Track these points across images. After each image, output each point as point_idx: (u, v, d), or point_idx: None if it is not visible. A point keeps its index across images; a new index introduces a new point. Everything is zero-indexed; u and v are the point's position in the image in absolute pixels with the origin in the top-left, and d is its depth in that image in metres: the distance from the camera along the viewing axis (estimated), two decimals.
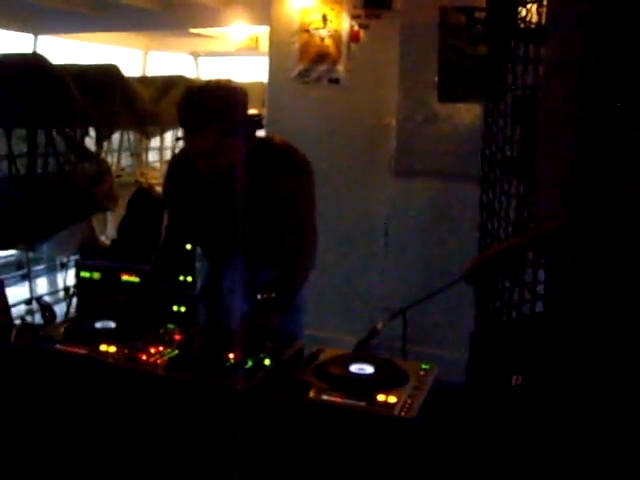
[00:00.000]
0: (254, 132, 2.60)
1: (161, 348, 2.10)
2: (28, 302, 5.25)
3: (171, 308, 4.33)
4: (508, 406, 1.63)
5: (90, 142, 5.64)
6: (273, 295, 2.35)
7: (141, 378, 1.98)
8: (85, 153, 5.35)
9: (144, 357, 2.04)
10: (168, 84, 6.48)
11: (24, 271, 5.80)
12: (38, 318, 4.99)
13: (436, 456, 1.93)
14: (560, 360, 1.52)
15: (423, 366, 2.05)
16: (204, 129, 2.40)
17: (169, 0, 7.02)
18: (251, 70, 9.07)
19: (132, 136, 7.44)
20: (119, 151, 7.45)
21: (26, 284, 5.61)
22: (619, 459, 1.47)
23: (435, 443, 1.94)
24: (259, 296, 2.35)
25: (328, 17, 4.32)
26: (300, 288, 2.64)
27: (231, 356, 2.04)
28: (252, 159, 2.61)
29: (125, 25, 7.90)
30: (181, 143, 2.67)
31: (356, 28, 4.30)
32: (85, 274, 4.76)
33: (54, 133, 5.13)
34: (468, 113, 4.05)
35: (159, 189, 5.36)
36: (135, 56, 10.22)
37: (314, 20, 4.36)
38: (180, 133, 2.65)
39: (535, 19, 1.60)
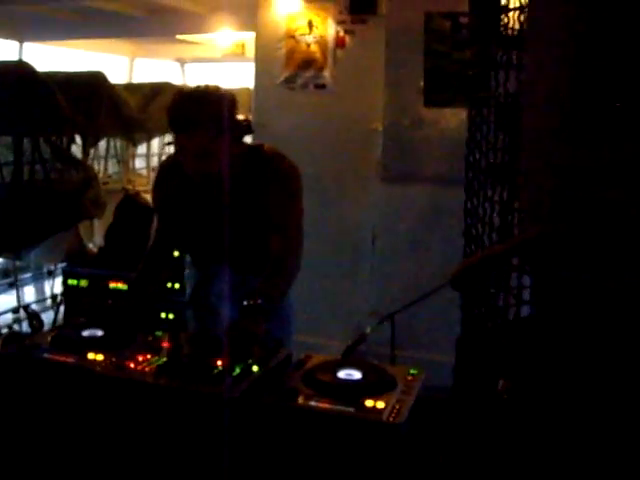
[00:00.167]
0: (243, 137, 2.62)
1: (149, 356, 2.09)
2: (15, 310, 5.23)
3: (159, 315, 4.32)
4: (494, 411, 1.64)
5: (76, 149, 5.64)
6: (259, 301, 2.35)
7: (129, 386, 1.97)
8: (72, 160, 5.34)
9: (132, 365, 2.03)
10: (154, 91, 6.47)
11: (11, 279, 5.77)
12: (25, 326, 4.97)
13: (424, 461, 1.93)
14: (545, 364, 1.53)
15: (411, 371, 2.05)
16: (195, 130, 2.42)
17: (155, 7, 7.01)
18: (237, 76, 9.06)
19: (119, 143, 7.42)
20: (106, 158, 7.43)
21: (13, 292, 5.59)
22: (604, 463, 1.48)
23: (423, 448, 1.94)
24: (245, 302, 2.35)
25: (314, 23, 4.33)
26: (286, 293, 2.64)
27: (219, 363, 2.04)
28: (241, 165, 2.62)
29: (111, 32, 7.89)
30: (169, 149, 2.69)
31: (342, 34, 4.31)
32: (72, 282, 4.74)
33: (40, 141, 5.12)
34: (454, 118, 4.06)
35: (146, 196, 5.35)
36: (121, 63, 10.20)
37: (300, 26, 4.37)
38: (168, 139, 2.66)
39: (517, 26, 1.61)
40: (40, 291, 6.17)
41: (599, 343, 1.45)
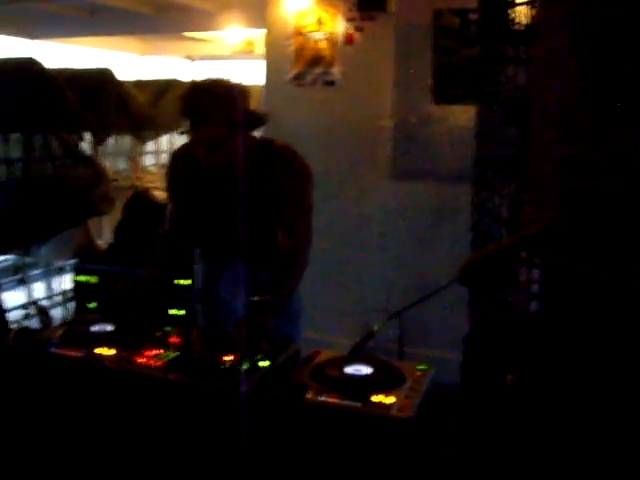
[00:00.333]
0: (257, 128, 2.63)
1: (159, 351, 2.11)
2: (25, 306, 5.25)
3: (168, 311, 4.33)
4: (503, 406, 1.64)
5: (86, 146, 5.65)
6: (267, 297, 2.36)
7: (139, 381, 1.98)
8: (81, 157, 5.36)
9: (142, 360, 2.04)
10: (163, 88, 6.48)
11: (21, 276, 5.80)
12: (35, 322, 4.99)
13: (432, 456, 1.93)
14: (554, 359, 1.53)
15: (419, 367, 2.06)
16: (209, 120, 2.43)
17: (164, 4, 7.02)
18: (247, 73, 9.06)
19: (127, 140, 7.44)
20: (115, 155, 7.46)
21: (23, 289, 5.61)
22: (614, 458, 1.48)
23: (431, 443, 1.94)
24: (253, 298, 2.36)
25: (323, 20, 4.33)
26: (294, 289, 2.65)
27: (228, 358, 2.04)
28: (253, 158, 2.63)
29: (120, 29, 7.91)
30: (176, 141, 2.71)
31: (351, 30, 4.31)
32: (82, 278, 4.76)
33: (50, 137, 5.13)
34: (463, 114, 4.05)
35: (155, 193, 5.37)
36: (130, 60, 10.22)
37: (309, 23, 4.37)
38: (177, 136, 2.67)
39: (524, 21, 1.61)
40: (50, 287, 6.19)
41: (607, 337, 1.45)
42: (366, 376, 1.97)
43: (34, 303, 5.23)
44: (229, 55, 9.17)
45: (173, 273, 2.97)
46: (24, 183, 5.01)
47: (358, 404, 1.80)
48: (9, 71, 4.74)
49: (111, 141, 6.69)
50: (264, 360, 2.05)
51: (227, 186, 2.62)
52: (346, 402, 1.81)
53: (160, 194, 5.35)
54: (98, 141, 5.50)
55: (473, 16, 3.83)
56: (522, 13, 1.59)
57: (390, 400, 1.81)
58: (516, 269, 1.66)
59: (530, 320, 1.57)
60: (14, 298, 5.36)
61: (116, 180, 6.63)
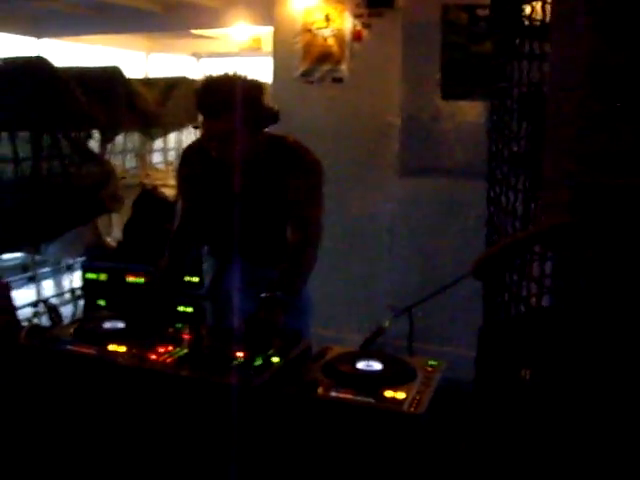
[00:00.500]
0: (270, 124, 2.63)
1: (170, 347, 2.12)
2: (34, 304, 5.26)
3: (177, 309, 4.34)
4: (518, 401, 1.64)
5: (94, 144, 5.66)
6: (277, 293, 2.37)
7: (151, 377, 1.99)
8: (89, 155, 5.36)
9: (153, 356, 2.05)
10: (171, 85, 6.48)
11: (30, 273, 5.82)
12: (45, 320, 5.00)
13: (445, 451, 1.94)
14: (569, 354, 1.52)
15: (431, 362, 2.06)
16: (223, 115, 2.43)
17: (170, 1, 7.02)
18: (254, 71, 9.06)
19: (136, 137, 7.44)
20: (123, 153, 7.46)
21: (32, 286, 5.63)
22: (631, 454, 1.48)
23: (443, 439, 1.95)
24: (263, 294, 2.37)
25: (331, 17, 4.33)
26: (303, 285, 2.65)
27: (240, 354, 2.05)
28: (265, 154, 2.64)
29: (126, 27, 7.91)
30: (184, 139, 2.72)
31: (359, 27, 4.31)
32: (91, 275, 4.78)
33: (59, 136, 5.14)
34: (472, 110, 4.05)
35: (164, 190, 5.38)
36: (137, 58, 10.23)
37: (317, 20, 4.37)
38: (186, 132, 2.68)
39: (539, 16, 1.61)
40: (59, 285, 6.21)
41: (623, 332, 1.45)
42: (378, 372, 1.98)
43: (44, 301, 5.24)
44: (236, 52, 9.17)
45: (184, 270, 2.98)
46: (33, 181, 5.02)
47: (371, 399, 1.80)
48: (17, 70, 4.74)
49: (119, 139, 6.69)
50: (276, 356, 2.06)
51: (238, 182, 2.63)
52: (359, 398, 1.81)
53: (168, 191, 5.36)
54: (107, 139, 5.50)
55: (481, 12, 3.83)
56: (537, 8, 1.59)
57: (402, 395, 1.82)
58: (530, 263, 1.65)
59: (545, 314, 1.57)
60: (24, 296, 5.38)
61: (124, 178, 6.64)
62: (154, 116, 6.09)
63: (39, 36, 8.13)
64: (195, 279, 4.29)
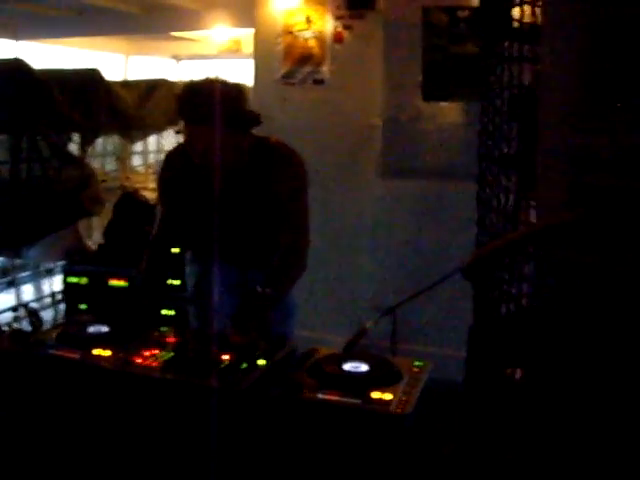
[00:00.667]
0: (252, 128, 2.63)
1: (155, 351, 2.10)
2: (14, 309, 5.23)
3: (160, 312, 4.32)
4: (509, 400, 1.65)
5: (74, 147, 5.63)
6: (267, 290, 2.40)
7: (136, 381, 1.98)
8: (69, 158, 5.33)
9: (139, 360, 2.04)
10: (151, 88, 6.46)
11: (10, 278, 5.77)
12: (25, 325, 4.96)
13: (431, 452, 1.94)
14: (559, 353, 1.54)
15: (416, 363, 2.07)
16: (205, 121, 2.43)
17: (150, 3, 7.00)
18: (234, 73, 9.06)
19: (116, 140, 7.41)
20: (103, 156, 7.43)
21: (12, 291, 5.58)
22: (622, 455, 1.49)
23: (430, 439, 1.95)
24: (255, 288, 2.41)
25: (312, 18, 4.33)
26: (292, 286, 2.67)
27: (225, 357, 2.05)
28: (249, 156, 2.63)
29: (106, 29, 7.88)
30: (164, 141, 2.71)
31: (340, 29, 4.31)
32: (72, 279, 4.75)
33: (38, 139, 5.11)
34: (452, 112, 4.07)
35: (144, 193, 5.36)
36: (116, 60, 10.19)
37: (298, 22, 4.37)
38: (166, 135, 2.67)
39: (528, 19, 1.62)
40: (39, 289, 6.17)
41: (613, 331, 1.46)
42: (364, 373, 1.98)
43: (24, 305, 5.21)
44: (215, 54, 9.16)
45: (164, 274, 2.98)
46: (12, 185, 4.99)
47: (358, 401, 1.80)
48: None
49: (99, 142, 6.66)
50: (261, 359, 2.05)
51: (222, 186, 2.62)
52: (345, 399, 1.81)
53: (149, 194, 5.34)
54: (86, 142, 5.48)
55: (462, 13, 3.85)
56: (527, 11, 1.60)
57: (389, 396, 1.82)
58: (522, 262, 1.67)
59: (536, 313, 1.58)
60: (3, 300, 5.34)
61: (105, 181, 6.61)
62: (134, 119, 6.07)
63: (17, 38, 8.07)
64: (177, 282, 4.28)
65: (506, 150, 1.69)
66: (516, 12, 1.68)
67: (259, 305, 2.39)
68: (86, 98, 5.27)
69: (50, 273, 5.89)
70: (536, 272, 1.64)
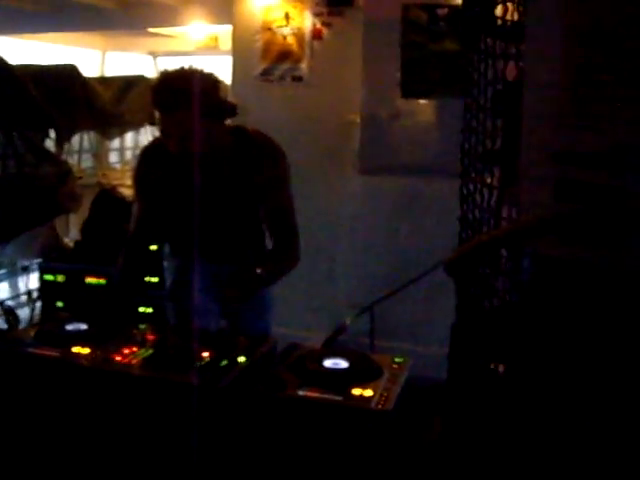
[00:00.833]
0: (228, 118, 2.62)
1: (135, 348, 2.09)
2: None
3: (138, 309, 4.30)
4: (492, 396, 1.66)
5: (50, 143, 5.58)
6: (260, 270, 2.54)
7: (116, 379, 1.97)
8: (46, 155, 5.28)
9: (118, 358, 2.03)
10: (128, 84, 6.41)
11: None
12: (1, 323, 4.92)
13: (412, 448, 1.95)
14: (542, 349, 1.55)
15: (396, 359, 2.07)
16: (180, 110, 2.42)
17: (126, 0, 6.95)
18: (212, 69, 9.01)
19: (92, 137, 7.36)
20: (79, 152, 7.36)
21: None
22: (604, 451, 1.50)
23: (411, 435, 1.96)
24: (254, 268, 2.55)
25: (290, 15, 4.32)
26: (281, 277, 2.72)
27: (205, 354, 2.04)
28: (228, 147, 2.63)
29: (81, 25, 7.79)
30: (141, 138, 2.72)
31: (319, 26, 4.31)
32: (49, 277, 4.72)
33: (14, 135, 5.06)
34: (431, 109, 4.09)
35: (122, 190, 5.33)
36: (92, 56, 10.10)
37: (277, 18, 4.36)
38: (144, 131, 2.67)
39: (512, 17, 1.63)
40: (15, 287, 6.11)
41: (597, 327, 1.48)
42: (345, 369, 1.98)
43: (0, 304, 5.16)
44: (193, 51, 9.11)
45: (142, 272, 2.97)
46: None
47: (338, 397, 1.80)
48: None
49: (76, 138, 6.61)
50: (242, 356, 2.05)
51: (201, 178, 2.61)
52: (326, 395, 1.82)
53: (126, 191, 5.31)
54: (63, 139, 5.43)
55: (441, 11, 3.86)
56: (510, 8, 1.61)
57: (370, 393, 1.83)
58: (506, 258, 1.68)
59: (520, 308, 1.59)
60: None
61: (81, 178, 6.56)
62: (111, 115, 6.03)
63: None
64: (155, 279, 4.26)
65: (490, 147, 1.70)
66: (499, 10, 1.69)
67: (249, 278, 2.53)
68: (63, 94, 5.23)
69: (26, 271, 5.83)
70: (512, 267, 1.65)
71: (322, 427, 1.80)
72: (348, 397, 1.81)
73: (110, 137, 6.90)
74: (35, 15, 7.15)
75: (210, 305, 2.82)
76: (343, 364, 2.01)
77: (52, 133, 5.44)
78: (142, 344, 2.14)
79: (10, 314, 5.00)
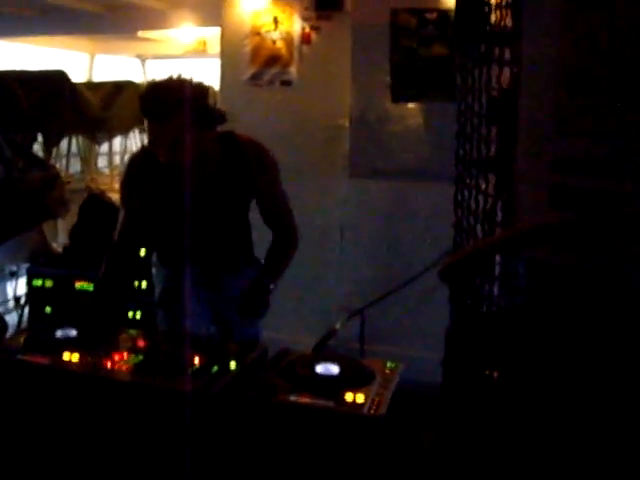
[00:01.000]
0: (217, 125, 2.62)
1: (125, 354, 2.09)
2: None
3: (127, 315, 4.28)
4: (488, 401, 1.66)
5: (38, 148, 5.56)
6: (265, 278, 2.73)
7: (107, 385, 1.96)
8: (34, 159, 5.26)
9: (109, 364, 2.02)
10: (116, 89, 6.41)
11: None
12: None
13: (404, 453, 1.95)
14: (538, 354, 1.55)
15: (388, 364, 2.08)
16: (169, 118, 2.42)
17: (115, 2, 6.92)
18: (200, 73, 8.99)
19: (81, 142, 7.34)
20: (67, 157, 7.34)
21: None
22: (599, 456, 1.51)
23: (403, 440, 1.96)
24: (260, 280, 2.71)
25: (279, 19, 4.31)
26: (283, 273, 2.88)
27: (196, 360, 2.04)
28: (216, 153, 2.63)
29: (70, 28, 7.75)
30: (129, 143, 2.73)
31: (307, 30, 4.30)
32: (37, 282, 4.69)
33: (0, 139, 5.03)
34: (421, 113, 4.09)
35: (110, 195, 5.31)
36: (80, 59, 10.06)
37: (265, 22, 4.35)
38: (132, 136, 2.67)
39: (507, 23, 1.64)
40: (2, 292, 6.07)
41: (593, 334, 1.48)
42: (337, 375, 1.98)
43: None
44: (181, 54, 9.09)
45: (124, 279, 2.96)
46: None
47: (331, 403, 1.80)
48: None
49: (64, 143, 6.59)
50: (233, 361, 2.05)
51: (192, 185, 2.60)
52: (318, 401, 1.82)
53: (115, 196, 5.28)
54: (51, 143, 5.41)
55: (430, 15, 3.87)
56: (506, 15, 1.61)
57: (362, 398, 1.83)
58: (501, 264, 1.68)
59: (515, 314, 1.59)
60: None
61: (69, 182, 6.53)
62: (99, 120, 6.03)
63: None
64: (143, 285, 4.24)
65: (484, 153, 1.70)
66: (494, 16, 1.69)
67: (262, 292, 2.70)
68: (51, 99, 5.22)
69: (14, 276, 5.79)
70: (507, 273, 1.65)
71: (314, 433, 1.80)
72: (340, 402, 1.81)
73: (99, 142, 6.88)
74: (22, 19, 7.11)
75: (200, 311, 2.81)
76: (335, 369, 2.00)
77: (40, 137, 5.43)
78: (132, 350, 2.14)
79: None
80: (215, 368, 2.01)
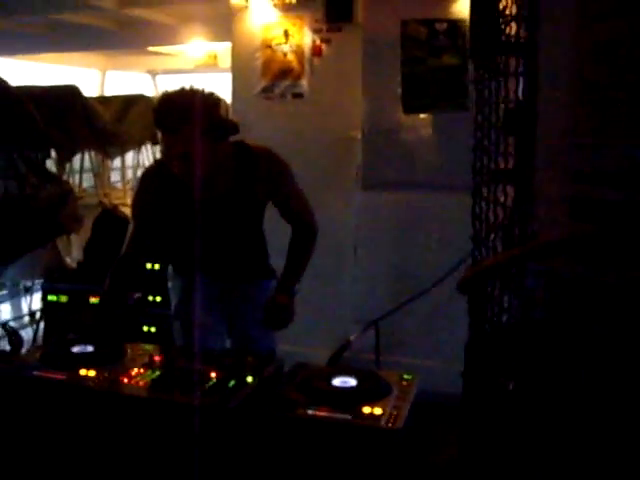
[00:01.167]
0: (229, 135, 2.63)
1: (142, 370, 2.09)
2: None
3: (141, 328, 4.29)
4: (507, 413, 1.64)
5: (51, 164, 5.59)
6: (287, 283, 2.78)
7: (124, 401, 1.96)
8: (47, 175, 5.29)
9: (125, 380, 2.02)
10: (128, 103, 6.44)
11: None
12: (4, 344, 4.90)
13: (423, 466, 1.94)
14: (557, 368, 1.54)
15: (405, 376, 2.07)
16: (182, 130, 2.42)
17: (126, 18, 6.97)
18: (210, 87, 9.04)
19: (93, 157, 7.37)
20: (80, 172, 7.37)
21: None
22: (617, 463, 1.49)
23: (421, 453, 1.95)
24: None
25: (290, 32, 4.32)
26: (302, 275, 2.94)
27: (213, 375, 2.03)
28: (230, 163, 2.64)
29: (82, 45, 7.83)
30: (142, 157, 2.74)
31: (318, 42, 4.30)
32: (52, 297, 4.70)
33: (14, 156, 5.07)
34: (433, 123, 4.08)
35: (123, 209, 5.33)
36: (92, 76, 10.14)
37: (276, 36, 4.36)
38: (144, 150, 2.68)
39: (524, 34, 1.63)
40: (17, 308, 6.10)
41: (613, 346, 1.47)
42: (354, 387, 1.97)
43: (2, 325, 5.14)
44: (192, 69, 9.14)
45: (128, 293, 2.98)
46: None
47: (348, 416, 1.79)
48: None
49: (77, 158, 6.61)
50: (250, 376, 2.04)
51: (206, 197, 2.61)
52: (336, 415, 1.81)
53: (128, 210, 5.30)
54: (64, 159, 5.44)
55: (440, 26, 3.87)
56: (521, 26, 1.61)
57: (379, 411, 1.82)
58: (520, 277, 1.67)
59: (534, 327, 1.58)
60: None
61: (82, 197, 6.56)
62: (112, 135, 6.05)
63: None
64: (158, 298, 4.24)
65: (503, 165, 1.70)
66: (510, 28, 1.69)
67: (287, 299, 2.75)
68: (64, 114, 5.25)
69: (29, 291, 5.82)
70: (527, 286, 1.64)
71: (332, 446, 1.79)
72: (358, 416, 1.80)
73: (111, 156, 6.90)
74: (35, 36, 7.19)
75: (215, 323, 2.81)
76: (351, 382, 2.00)
77: (53, 153, 5.45)
78: (149, 365, 2.13)
79: (13, 335, 4.98)
80: (232, 382, 2.00)
